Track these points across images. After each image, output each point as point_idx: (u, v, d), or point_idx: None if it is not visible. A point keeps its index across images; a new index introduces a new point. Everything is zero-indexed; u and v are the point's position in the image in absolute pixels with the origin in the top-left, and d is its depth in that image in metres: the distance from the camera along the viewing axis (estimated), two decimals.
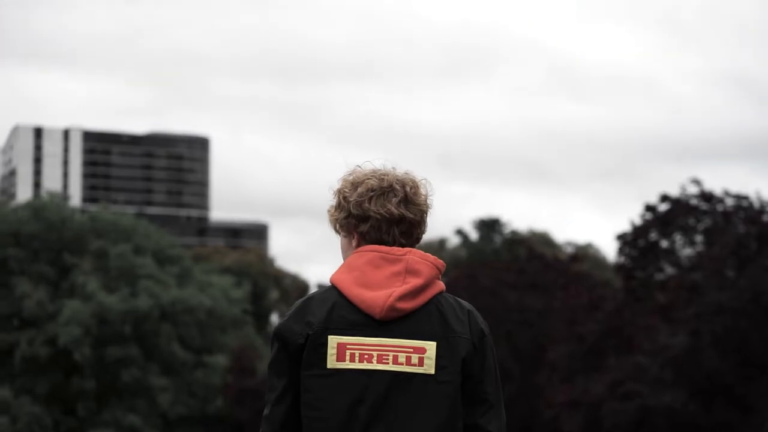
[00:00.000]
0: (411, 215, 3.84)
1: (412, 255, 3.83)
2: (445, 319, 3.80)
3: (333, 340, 3.76)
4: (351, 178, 3.89)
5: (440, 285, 3.85)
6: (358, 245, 3.87)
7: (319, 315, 3.79)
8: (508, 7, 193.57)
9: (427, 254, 3.87)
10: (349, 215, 3.86)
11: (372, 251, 3.82)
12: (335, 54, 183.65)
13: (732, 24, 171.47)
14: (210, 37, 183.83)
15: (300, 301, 3.87)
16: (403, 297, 3.76)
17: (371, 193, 3.82)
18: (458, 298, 3.89)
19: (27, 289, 49.38)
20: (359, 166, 3.91)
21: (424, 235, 3.95)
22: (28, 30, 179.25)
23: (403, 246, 3.85)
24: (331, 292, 3.83)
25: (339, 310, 3.78)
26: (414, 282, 3.79)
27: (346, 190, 3.87)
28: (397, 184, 3.84)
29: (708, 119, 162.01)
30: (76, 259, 51.01)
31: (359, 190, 3.84)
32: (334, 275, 3.85)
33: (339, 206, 3.90)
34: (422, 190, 3.89)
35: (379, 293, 3.75)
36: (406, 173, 3.88)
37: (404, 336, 3.76)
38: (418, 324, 3.78)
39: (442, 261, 3.84)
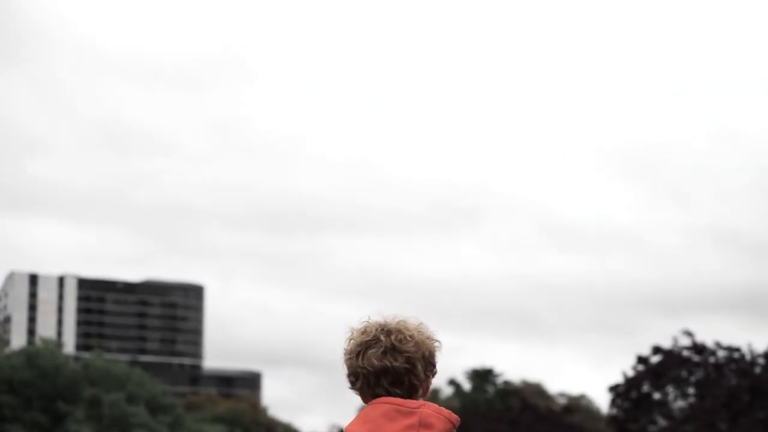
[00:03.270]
0: (396, 364, 3.78)
1: (427, 408, 3.76)
2: None
3: None
4: (348, 336, 3.88)
5: None
6: (365, 401, 3.84)
7: None
8: (496, 162, 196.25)
9: (442, 408, 3.81)
10: (348, 374, 3.86)
11: (386, 403, 3.76)
12: (327, 206, 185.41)
13: (716, 179, 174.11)
14: (201, 189, 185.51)
15: None
16: None
17: (358, 349, 3.81)
18: None
19: None
20: (366, 320, 3.89)
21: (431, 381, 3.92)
22: (22, 180, 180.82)
23: (400, 397, 3.78)
24: None
25: None
26: None
27: (344, 350, 3.87)
28: (382, 334, 3.80)
29: (696, 272, 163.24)
30: (70, 407, 50.93)
31: (349, 347, 3.84)
32: (348, 426, 3.82)
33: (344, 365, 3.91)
34: (414, 336, 3.83)
35: None
36: (399, 322, 3.84)
37: None
38: None
39: (456, 416, 3.80)
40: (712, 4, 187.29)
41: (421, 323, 3.86)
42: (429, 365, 3.84)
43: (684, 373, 37.85)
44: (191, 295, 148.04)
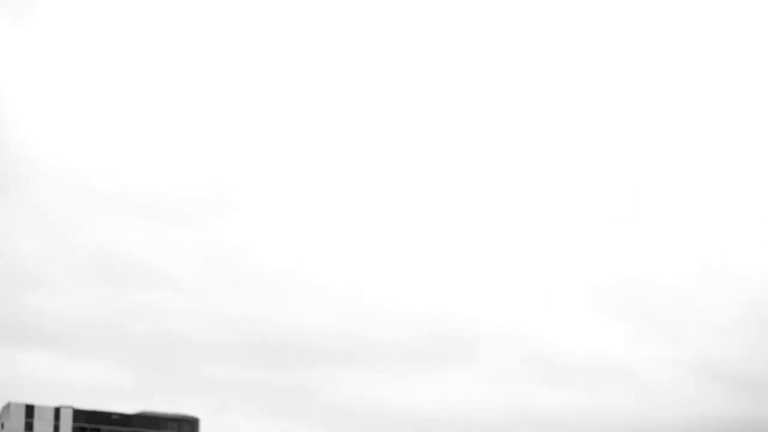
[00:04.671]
0: None
1: None
2: None
3: None
4: None
5: None
6: None
7: None
8: (487, 296, 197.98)
9: None
10: None
11: None
12: (320, 338, 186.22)
13: (704, 315, 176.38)
14: (195, 321, 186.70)
15: None
16: None
17: None
18: None
19: None
20: None
21: None
22: (20, 312, 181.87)
23: None
24: None
25: None
26: None
27: None
28: None
29: (681, 404, 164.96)
30: None
31: None
32: None
33: None
34: None
35: None
36: None
37: None
38: None
39: None
40: (701, 147, 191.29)
41: None
42: None
43: None
44: (186, 428, 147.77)
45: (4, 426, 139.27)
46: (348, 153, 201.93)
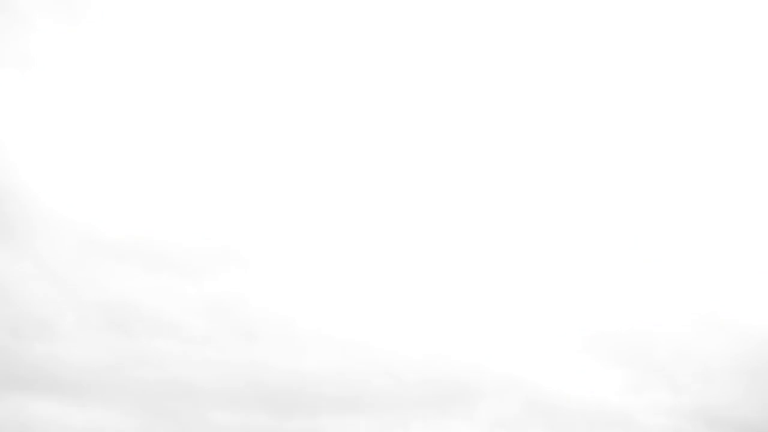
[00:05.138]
0: None
1: None
2: None
3: None
4: None
5: None
6: None
7: None
8: (489, 343, 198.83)
9: None
10: None
11: None
12: (324, 386, 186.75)
13: (702, 361, 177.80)
14: (202, 369, 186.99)
15: None
16: None
17: None
18: None
19: None
20: None
21: None
22: (27, 360, 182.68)
23: None
24: None
25: None
26: None
27: None
28: None
29: None
30: None
31: None
32: None
33: None
34: None
35: None
36: None
37: None
38: None
39: None
40: (697, 196, 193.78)
41: None
42: None
43: None
44: None
45: None
46: (349, 202, 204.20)
